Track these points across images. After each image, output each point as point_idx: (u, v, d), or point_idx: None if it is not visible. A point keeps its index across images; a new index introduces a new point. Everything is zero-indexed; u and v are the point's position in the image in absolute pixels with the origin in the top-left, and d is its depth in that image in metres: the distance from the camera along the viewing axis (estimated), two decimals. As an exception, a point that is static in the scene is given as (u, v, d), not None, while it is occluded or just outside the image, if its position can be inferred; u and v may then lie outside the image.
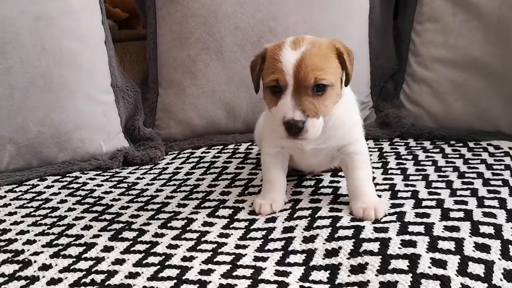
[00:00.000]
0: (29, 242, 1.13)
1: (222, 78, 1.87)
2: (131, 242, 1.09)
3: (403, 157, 1.56)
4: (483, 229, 1.01)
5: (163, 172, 1.59)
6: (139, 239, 1.10)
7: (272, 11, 1.85)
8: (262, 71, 1.14)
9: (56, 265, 1.01)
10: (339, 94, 1.13)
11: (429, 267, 0.89)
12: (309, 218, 1.13)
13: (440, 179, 1.32)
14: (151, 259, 1.00)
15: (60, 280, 0.96)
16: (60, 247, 1.09)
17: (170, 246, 1.05)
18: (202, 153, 1.76)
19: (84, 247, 1.08)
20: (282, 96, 1.07)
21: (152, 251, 1.04)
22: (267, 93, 1.12)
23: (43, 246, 1.11)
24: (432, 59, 1.85)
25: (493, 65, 1.71)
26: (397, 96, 1.97)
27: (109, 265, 0.99)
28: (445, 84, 1.81)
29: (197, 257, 1.00)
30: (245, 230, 1.11)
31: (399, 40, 2.03)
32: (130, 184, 1.48)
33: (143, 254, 1.03)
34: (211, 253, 1.02)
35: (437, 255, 0.92)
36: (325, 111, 1.09)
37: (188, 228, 1.14)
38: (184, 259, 1.00)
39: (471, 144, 1.66)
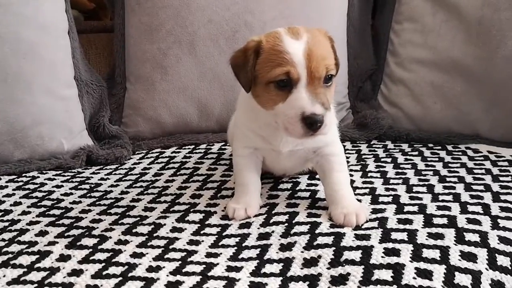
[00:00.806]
0: (-25, 249, 1.03)
1: (195, 73, 1.78)
2: (91, 250, 0.99)
3: (382, 159, 1.52)
4: (468, 236, 0.98)
5: (129, 173, 1.50)
6: (99, 247, 1.01)
7: (248, 4, 1.78)
8: (255, 66, 1.04)
9: (4, 276, 0.92)
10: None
11: (414, 278, 0.85)
12: (286, 224, 1.07)
13: (421, 183, 1.29)
14: (112, 270, 0.91)
15: (8, 293, 0.87)
16: (10, 255, 0.99)
17: (134, 255, 0.97)
18: (172, 153, 1.68)
19: (37, 256, 0.98)
20: (293, 90, 0.99)
21: (113, 260, 0.95)
22: (268, 89, 1.02)
23: (-10, 253, 1.01)
24: (411, 60, 1.82)
25: (473, 67, 1.68)
26: (374, 97, 1.94)
27: (64, 277, 0.90)
28: (424, 85, 1.79)
29: (164, 267, 0.92)
30: (217, 236, 1.04)
31: (377, 40, 2.00)
32: (92, 186, 1.39)
33: (103, 264, 0.93)
34: (180, 262, 0.94)
35: (422, 265, 0.88)
36: (330, 104, 1.03)
37: (155, 235, 1.06)
38: (150, 269, 0.91)
39: (449, 147, 1.65)
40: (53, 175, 1.48)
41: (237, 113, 1.25)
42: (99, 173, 1.51)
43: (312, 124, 0.97)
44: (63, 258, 0.96)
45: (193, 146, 1.74)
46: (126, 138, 1.75)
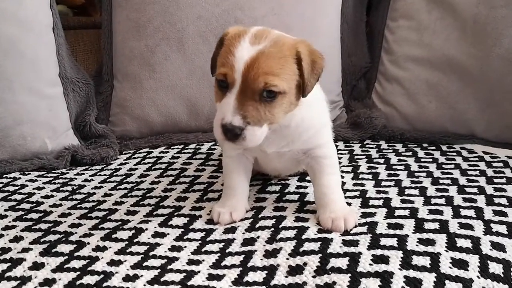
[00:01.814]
0: None
1: (183, 71, 1.74)
2: (66, 257, 0.95)
3: (374, 160, 1.49)
4: (460, 242, 0.95)
5: (114, 174, 1.46)
6: (75, 254, 0.96)
7: (238, 1, 1.73)
8: (217, 55, 1.02)
9: (-29, 286, 0.88)
10: (293, 103, 1.01)
11: (403, 287, 0.82)
12: (272, 229, 1.03)
13: (413, 185, 1.26)
14: (86, 279, 0.87)
15: (-24, 304, 0.83)
16: (-19, 263, 0.95)
17: (111, 263, 0.93)
18: (160, 153, 1.64)
19: (9, 264, 0.93)
20: (227, 94, 0.95)
21: (89, 268, 0.91)
22: (216, 84, 1.00)
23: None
24: (406, 58, 1.79)
25: (469, 65, 1.65)
26: (369, 95, 1.90)
27: (35, 287, 0.86)
28: (418, 84, 1.75)
29: (142, 275, 0.88)
30: (200, 242, 1.00)
31: (371, 37, 1.96)
32: (75, 187, 1.35)
33: (78, 273, 0.89)
34: (159, 270, 0.90)
35: (411, 273, 0.85)
36: (271, 119, 0.98)
37: (135, 240, 1.01)
38: (126, 278, 0.87)
39: (444, 148, 1.62)
40: (35, 176, 1.44)
41: None
42: (83, 174, 1.47)
43: (225, 133, 0.94)
44: (36, 266, 0.92)
45: (182, 146, 1.70)
46: (113, 137, 1.70)
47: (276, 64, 0.95)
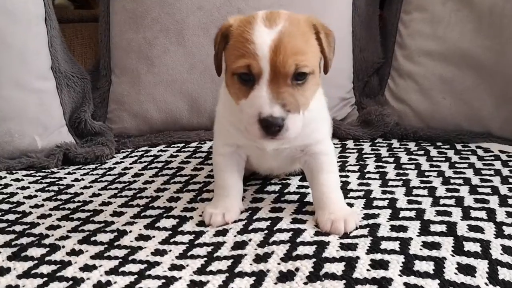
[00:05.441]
0: None
1: (184, 65, 1.68)
2: (36, 261, 0.89)
3: (383, 159, 1.43)
4: (468, 246, 0.88)
5: (107, 173, 1.40)
6: (47, 258, 0.90)
7: (241, -10, 1.67)
8: (222, 51, 0.96)
9: None
10: (318, 83, 0.97)
11: None
12: (266, 231, 0.97)
13: (422, 185, 1.20)
14: (52, 286, 0.81)
15: None
16: None
17: (84, 268, 0.86)
18: (158, 151, 1.59)
19: (-29, 269, 0.88)
20: (255, 86, 0.89)
21: (58, 274, 0.84)
22: (233, 81, 0.93)
23: None
24: (420, 52, 1.73)
25: (484, 59, 1.58)
26: (381, 92, 1.83)
27: (-3, 294, 0.81)
28: (432, 79, 1.69)
29: (115, 282, 0.81)
30: (188, 245, 0.94)
31: (384, 31, 1.90)
32: (62, 187, 1.29)
33: (45, 279, 0.83)
34: (136, 276, 0.83)
35: (412, 280, 0.79)
36: (305, 104, 0.93)
37: (116, 244, 0.95)
38: (97, 285, 0.81)
39: (458, 146, 1.56)
40: (22, 175, 1.39)
41: (218, 105, 1.13)
42: (74, 173, 1.42)
43: (268, 127, 0.87)
44: (1, 271, 0.86)
45: (182, 144, 1.65)
46: (110, 135, 1.65)
47: (301, 42, 0.91)
